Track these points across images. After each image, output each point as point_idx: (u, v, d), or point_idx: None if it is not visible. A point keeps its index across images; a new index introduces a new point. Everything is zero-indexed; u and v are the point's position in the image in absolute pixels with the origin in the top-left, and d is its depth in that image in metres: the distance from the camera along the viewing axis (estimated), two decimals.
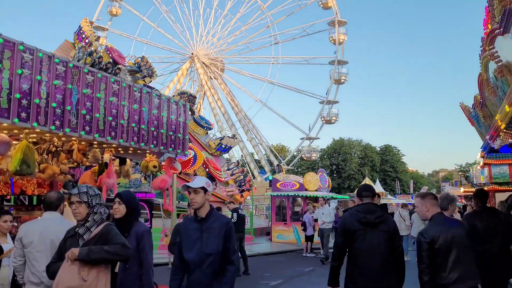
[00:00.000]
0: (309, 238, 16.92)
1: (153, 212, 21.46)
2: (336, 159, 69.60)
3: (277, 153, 56.83)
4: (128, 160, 9.36)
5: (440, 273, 4.14)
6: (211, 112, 51.32)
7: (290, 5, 51.02)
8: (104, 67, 20.03)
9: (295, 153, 55.91)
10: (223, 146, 27.28)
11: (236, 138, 36.35)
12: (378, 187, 45.25)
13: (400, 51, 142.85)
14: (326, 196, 19.22)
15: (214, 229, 3.96)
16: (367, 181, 46.39)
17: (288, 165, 51.79)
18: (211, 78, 51.71)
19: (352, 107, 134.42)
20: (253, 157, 54.90)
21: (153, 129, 8.29)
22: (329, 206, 17.83)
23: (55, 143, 7.08)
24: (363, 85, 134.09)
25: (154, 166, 9.02)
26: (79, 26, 19.41)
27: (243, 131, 52.19)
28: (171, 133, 8.76)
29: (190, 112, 24.70)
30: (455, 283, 4.09)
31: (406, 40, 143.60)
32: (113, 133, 7.37)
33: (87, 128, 6.85)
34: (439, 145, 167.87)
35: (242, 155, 50.91)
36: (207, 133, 26.71)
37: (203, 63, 51.00)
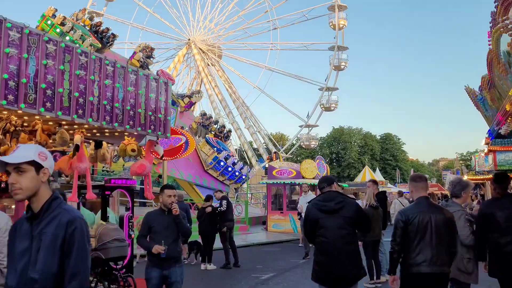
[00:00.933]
0: None
1: (145, 201, 20.59)
2: (335, 148, 68.88)
3: (275, 142, 55.97)
4: (104, 143, 8.58)
5: (409, 253, 4.23)
6: (208, 99, 50.42)
7: None
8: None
9: (294, 141, 55.06)
10: (230, 169, 25.24)
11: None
12: (378, 176, 44.64)
13: (402, 37, 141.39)
14: (312, 184, 18.11)
15: (46, 235, 2.32)
16: (367, 169, 45.83)
17: (286, 153, 50.96)
18: (208, 64, 50.66)
19: (352, 94, 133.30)
20: (251, 145, 54.08)
21: (128, 108, 7.49)
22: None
23: (13, 122, 6.28)
24: (363, 72, 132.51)
25: (133, 150, 8.18)
26: (134, 51, 21.59)
27: (240, 118, 51.38)
28: (150, 113, 7.96)
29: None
30: (420, 265, 4.13)
31: (407, 26, 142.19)
32: (80, 111, 6.57)
33: (48, 104, 6.05)
34: (440, 134, 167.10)
35: (240, 144, 50.17)
36: (216, 155, 24.73)
37: (200, 49, 49.94)
